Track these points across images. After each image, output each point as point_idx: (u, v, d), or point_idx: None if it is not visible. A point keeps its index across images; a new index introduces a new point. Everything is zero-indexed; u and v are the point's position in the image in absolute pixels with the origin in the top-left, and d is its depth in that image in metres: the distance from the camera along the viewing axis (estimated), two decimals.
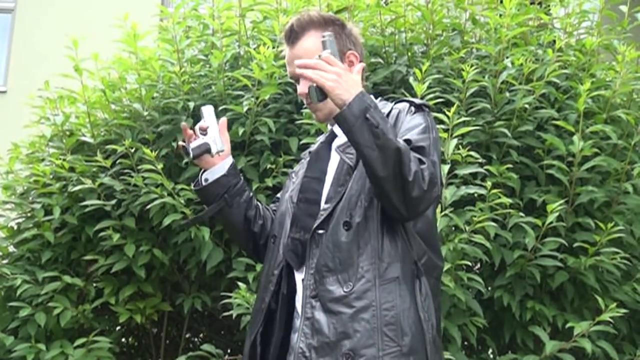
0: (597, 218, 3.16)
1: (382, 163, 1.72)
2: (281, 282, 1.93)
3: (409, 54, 3.52)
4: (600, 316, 2.89)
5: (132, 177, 3.33)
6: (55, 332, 3.37)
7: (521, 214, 3.04)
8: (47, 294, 3.31)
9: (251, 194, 2.13)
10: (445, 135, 2.97)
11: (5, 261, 3.62)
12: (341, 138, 1.98)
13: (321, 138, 2.15)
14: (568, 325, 2.98)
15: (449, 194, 2.92)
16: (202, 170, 2.08)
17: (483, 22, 3.59)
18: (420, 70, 3.15)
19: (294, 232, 1.93)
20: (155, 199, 3.21)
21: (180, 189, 3.25)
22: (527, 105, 3.24)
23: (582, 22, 3.66)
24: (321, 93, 1.75)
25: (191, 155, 2.00)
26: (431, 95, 3.10)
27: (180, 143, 2.03)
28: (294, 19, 2.00)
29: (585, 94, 3.11)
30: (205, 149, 2.01)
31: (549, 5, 3.77)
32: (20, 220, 3.69)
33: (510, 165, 3.11)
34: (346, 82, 1.74)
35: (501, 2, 3.41)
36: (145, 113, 3.55)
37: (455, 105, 3.01)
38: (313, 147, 2.13)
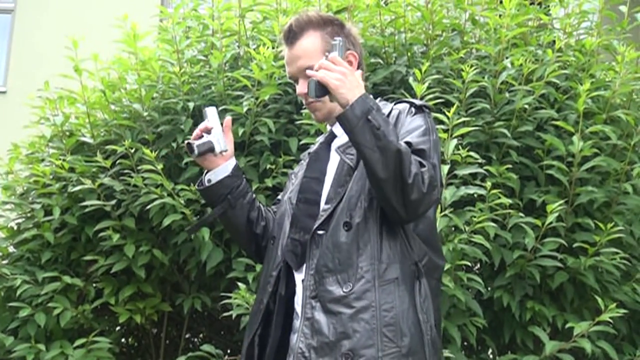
0: (596, 218, 3.16)
1: (383, 165, 1.72)
2: (279, 283, 1.93)
3: (409, 54, 3.52)
4: (600, 316, 2.89)
5: (131, 177, 3.33)
6: (55, 333, 3.37)
7: (521, 214, 3.04)
8: (47, 294, 3.31)
9: (254, 195, 2.13)
10: (445, 135, 2.97)
11: (5, 261, 3.62)
12: (341, 138, 1.98)
13: (320, 138, 2.15)
14: (568, 325, 2.98)
15: (449, 194, 2.92)
16: (205, 171, 2.08)
17: (483, 22, 3.59)
18: (420, 70, 3.15)
19: (293, 232, 1.93)
20: (155, 199, 3.21)
21: (180, 189, 3.25)
22: (526, 106, 3.24)
23: (581, 22, 3.66)
24: (320, 89, 1.76)
25: (196, 152, 2.00)
26: (431, 96, 3.10)
27: (186, 141, 2.03)
28: (292, 19, 2.01)
29: (585, 95, 3.11)
30: (209, 148, 2.02)
31: (548, 6, 3.77)
32: (20, 220, 3.69)
33: (509, 166, 3.11)
34: (351, 83, 1.76)
35: (501, 2, 3.41)
36: (145, 113, 3.55)
37: (454, 106, 3.01)
38: (312, 148, 2.13)
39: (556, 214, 2.93)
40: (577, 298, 3.19)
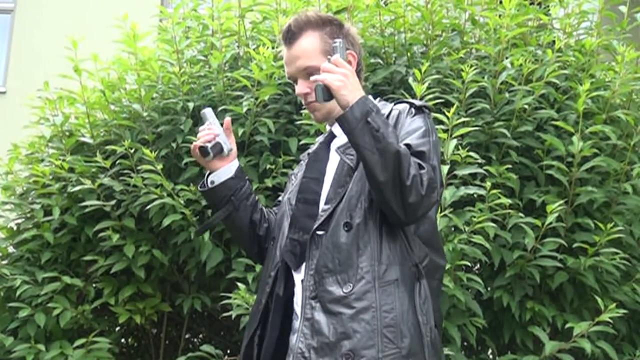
0: (596, 218, 3.16)
1: (382, 167, 1.73)
2: (276, 283, 1.93)
3: (409, 54, 3.52)
4: (600, 316, 2.89)
5: (131, 177, 3.33)
6: (55, 333, 3.37)
7: (521, 214, 3.04)
8: (47, 294, 3.31)
9: (257, 197, 2.13)
10: (444, 135, 2.97)
11: (5, 262, 3.62)
12: (340, 139, 1.98)
13: (320, 139, 2.15)
14: (567, 325, 2.98)
15: (449, 194, 2.92)
16: (207, 173, 2.08)
17: (482, 22, 3.59)
18: (420, 70, 3.15)
19: (292, 232, 1.93)
20: (155, 199, 3.21)
21: (180, 189, 3.26)
22: (526, 106, 3.24)
23: (581, 22, 3.66)
24: (326, 93, 1.77)
25: (211, 154, 2.00)
26: (431, 96, 3.10)
27: (196, 143, 2.02)
28: (291, 20, 2.01)
29: (585, 95, 3.12)
30: (220, 149, 2.02)
31: (548, 6, 3.77)
32: (19, 220, 3.69)
33: (509, 166, 3.11)
34: (352, 85, 1.77)
35: (500, 2, 3.41)
36: (145, 114, 3.55)
37: (454, 106, 3.01)
38: (312, 148, 2.13)
39: (556, 214, 2.93)
40: (577, 298, 3.19)
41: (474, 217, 2.91)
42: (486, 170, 3.05)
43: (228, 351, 3.76)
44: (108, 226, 3.37)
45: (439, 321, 1.90)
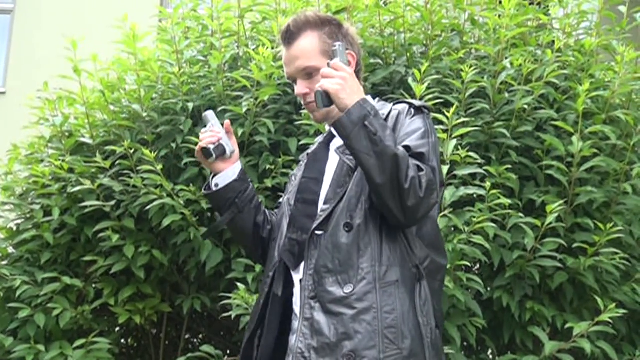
0: (596, 218, 3.16)
1: (380, 170, 1.73)
2: (274, 283, 1.93)
3: (408, 54, 3.52)
4: (600, 317, 2.89)
5: (131, 178, 3.33)
6: (55, 333, 3.37)
7: (520, 214, 3.04)
8: (47, 295, 3.31)
9: (260, 199, 2.13)
10: (444, 136, 2.97)
11: (4, 262, 3.62)
12: (340, 139, 1.98)
13: (319, 139, 2.15)
14: (567, 325, 2.98)
15: (448, 194, 2.92)
16: (211, 175, 2.08)
17: (482, 22, 3.59)
18: (420, 70, 3.15)
19: (291, 232, 1.93)
20: (155, 199, 3.21)
21: (180, 189, 3.26)
22: (526, 106, 3.24)
23: (581, 22, 3.66)
24: (326, 99, 1.78)
25: (214, 156, 2.01)
26: (430, 96, 3.10)
27: (199, 145, 2.02)
28: (290, 20, 2.01)
29: (585, 95, 3.12)
30: (223, 151, 2.03)
31: (548, 6, 3.77)
32: (19, 221, 3.68)
33: (509, 166, 3.11)
34: (351, 88, 1.78)
35: (500, 2, 3.41)
36: (145, 114, 3.55)
37: (454, 106, 3.01)
38: (311, 149, 2.13)
39: (556, 214, 2.93)
40: (577, 298, 3.19)
41: (474, 217, 2.91)
42: (486, 171, 3.05)
43: (228, 351, 3.76)
44: (108, 226, 3.37)
45: (441, 322, 1.90)
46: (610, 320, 2.90)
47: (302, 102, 2.03)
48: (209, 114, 2.07)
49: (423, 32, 3.61)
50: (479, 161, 3.03)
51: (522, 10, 3.51)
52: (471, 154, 3.00)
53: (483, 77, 3.30)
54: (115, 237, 3.29)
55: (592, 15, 3.68)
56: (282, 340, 1.90)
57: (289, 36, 1.99)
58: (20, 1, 11.11)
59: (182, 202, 3.22)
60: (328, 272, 1.81)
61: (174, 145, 3.41)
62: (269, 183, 3.24)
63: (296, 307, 1.88)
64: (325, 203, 1.89)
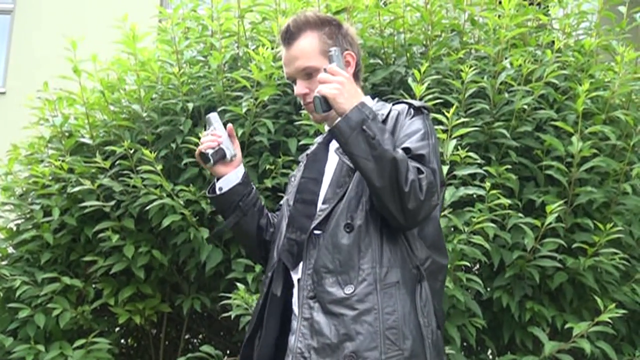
0: (596, 219, 3.16)
1: (378, 174, 1.72)
2: (272, 284, 1.93)
3: (408, 54, 3.52)
4: (599, 317, 2.89)
5: (131, 178, 3.33)
6: (55, 334, 3.37)
7: (520, 214, 3.04)
8: (47, 295, 3.31)
9: (262, 202, 2.13)
10: (444, 136, 2.97)
11: (4, 262, 3.62)
12: None
13: (318, 139, 2.15)
14: (567, 325, 2.98)
15: (448, 194, 2.92)
16: (214, 179, 2.08)
17: (482, 22, 3.59)
18: (419, 71, 3.15)
19: (290, 232, 1.93)
20: (155, 200, 3.21)
21: (180, 190, 3.26)
22: (526, 106, 3.24)
23: (580, 22, 3.66)
24: (325, 104, 1.78)
25: (212, 161, 2.01)
26: (430, 96, 3.10)
27: (198, 149, 2.03)
28: (290, 20, 2.01)
29: (584, 95, 3.12)
30: (222, 155, 2.03)
31: (547, 6, 3.77)
32: (19, 221, 3.69)
33: (509, 166, 3.11)
34: (348, 92, 1.77)
35: (500, 2, 3.41)
36: (144, 114, 3.55)
37: (454, 106, 3.01)
38: (310, 149, 2.13)
39: (555, 215, 2.93)
40: (577, 298, 3.19)
41: (474, 217, 2.91)
42: (485, 171, 3.06)
43: (228, 352, 3.76)
44: (108, 227, 3.37)
45: (442, 322, 1.90)
46: (610, 321, 2.90)
47: (302, 102, 2.03)
48: (212, 116, 2.06)
49: (423, 32, 3.61)
50: (479, 161, 3.03)
51: (521, 11, 3.51)
52: (471, 154, 3.00)
53: (483, 78, 3.30)
54: (115, 237, 3.29)
55: (592, 16, 3.68)
56: (282, 341, 1.89)
57: (289, 36, 1.99)
58: (20, 1, 11.11)
59: (182, 203, 3.22)
60: (328, 272, 1.81)
61: (173, 145, 3.41)
62: (268, 183, 3.24)
63: (295, 307, 1.88)
64: (324, 203, 1.89)
